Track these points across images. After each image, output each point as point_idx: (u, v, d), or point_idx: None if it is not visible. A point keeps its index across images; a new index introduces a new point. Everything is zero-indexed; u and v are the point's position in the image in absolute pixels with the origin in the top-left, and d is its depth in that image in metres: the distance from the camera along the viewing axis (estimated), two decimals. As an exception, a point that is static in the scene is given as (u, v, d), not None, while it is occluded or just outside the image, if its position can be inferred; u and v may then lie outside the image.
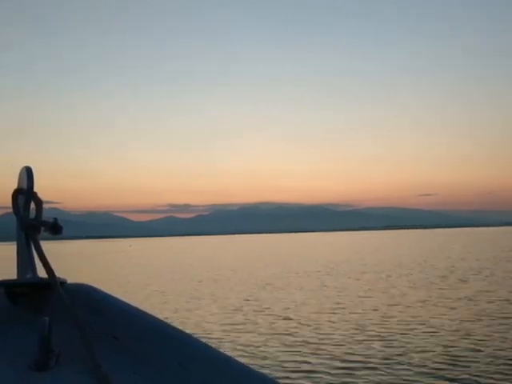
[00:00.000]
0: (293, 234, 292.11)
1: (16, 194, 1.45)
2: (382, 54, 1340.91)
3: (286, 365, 8.84)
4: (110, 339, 1.37)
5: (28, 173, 1.45)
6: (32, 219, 1.44)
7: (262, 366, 8.48)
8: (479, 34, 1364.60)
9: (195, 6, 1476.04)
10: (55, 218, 1.43)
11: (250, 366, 1.34)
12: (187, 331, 1.43)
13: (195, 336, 1.44)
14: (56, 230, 1.43)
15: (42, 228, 1.43)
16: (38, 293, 1.41)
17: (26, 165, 1.48)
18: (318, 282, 21.55)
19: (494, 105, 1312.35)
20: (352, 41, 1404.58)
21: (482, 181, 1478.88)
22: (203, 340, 1.42)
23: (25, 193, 1.44)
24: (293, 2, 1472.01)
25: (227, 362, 1.32)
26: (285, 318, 13.29)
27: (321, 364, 8.79)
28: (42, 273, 1.41)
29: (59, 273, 1.38)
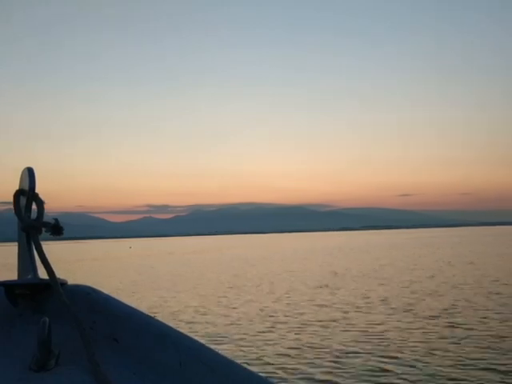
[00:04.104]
0: (291, 234, 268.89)
1: (17, 194, 1.46)
2: (368, 57, 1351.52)
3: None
4: (110, 340, 1.37)
5: (30, 173, 1.45)
6: (33, 220, 1.44)
7: (263, 370, 7.90)
8: (469, 37, 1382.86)
9: (195, 7, 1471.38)
10: (56, 219, 1.44)
11: (249, 368, 1.35)
12: (186, 332, 1.43)
13: (195, 337, 1.45)
14: (57, 230, 1.43)
15: (43, 229, 1.43)
16: (38, 293, 1.42)
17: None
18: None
19: (474, 107, 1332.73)
20: (343, 42, 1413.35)
21: (460, 181, 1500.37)
22: (203, 341, 1.42)
23: (26, 193, 1.44)
24: (293, 2, 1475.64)
25: (227, 364, 1.32)
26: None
27: None
28: (42, 274, 1.41)
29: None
